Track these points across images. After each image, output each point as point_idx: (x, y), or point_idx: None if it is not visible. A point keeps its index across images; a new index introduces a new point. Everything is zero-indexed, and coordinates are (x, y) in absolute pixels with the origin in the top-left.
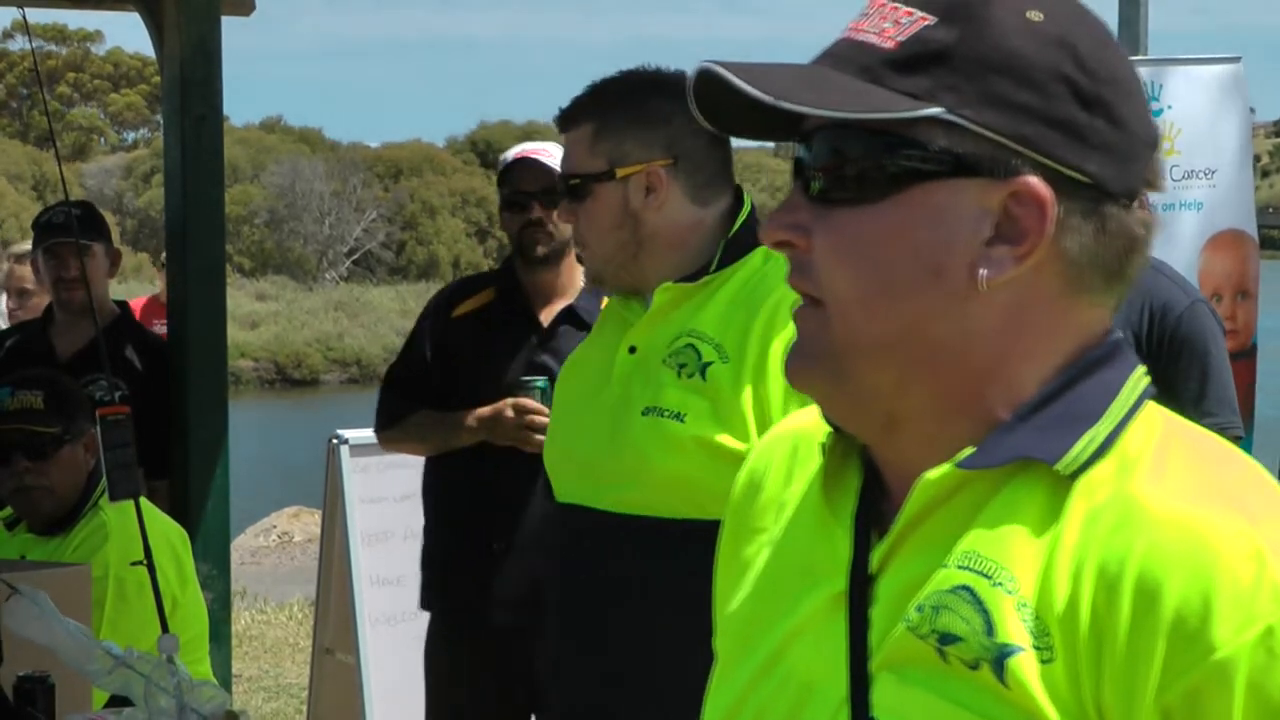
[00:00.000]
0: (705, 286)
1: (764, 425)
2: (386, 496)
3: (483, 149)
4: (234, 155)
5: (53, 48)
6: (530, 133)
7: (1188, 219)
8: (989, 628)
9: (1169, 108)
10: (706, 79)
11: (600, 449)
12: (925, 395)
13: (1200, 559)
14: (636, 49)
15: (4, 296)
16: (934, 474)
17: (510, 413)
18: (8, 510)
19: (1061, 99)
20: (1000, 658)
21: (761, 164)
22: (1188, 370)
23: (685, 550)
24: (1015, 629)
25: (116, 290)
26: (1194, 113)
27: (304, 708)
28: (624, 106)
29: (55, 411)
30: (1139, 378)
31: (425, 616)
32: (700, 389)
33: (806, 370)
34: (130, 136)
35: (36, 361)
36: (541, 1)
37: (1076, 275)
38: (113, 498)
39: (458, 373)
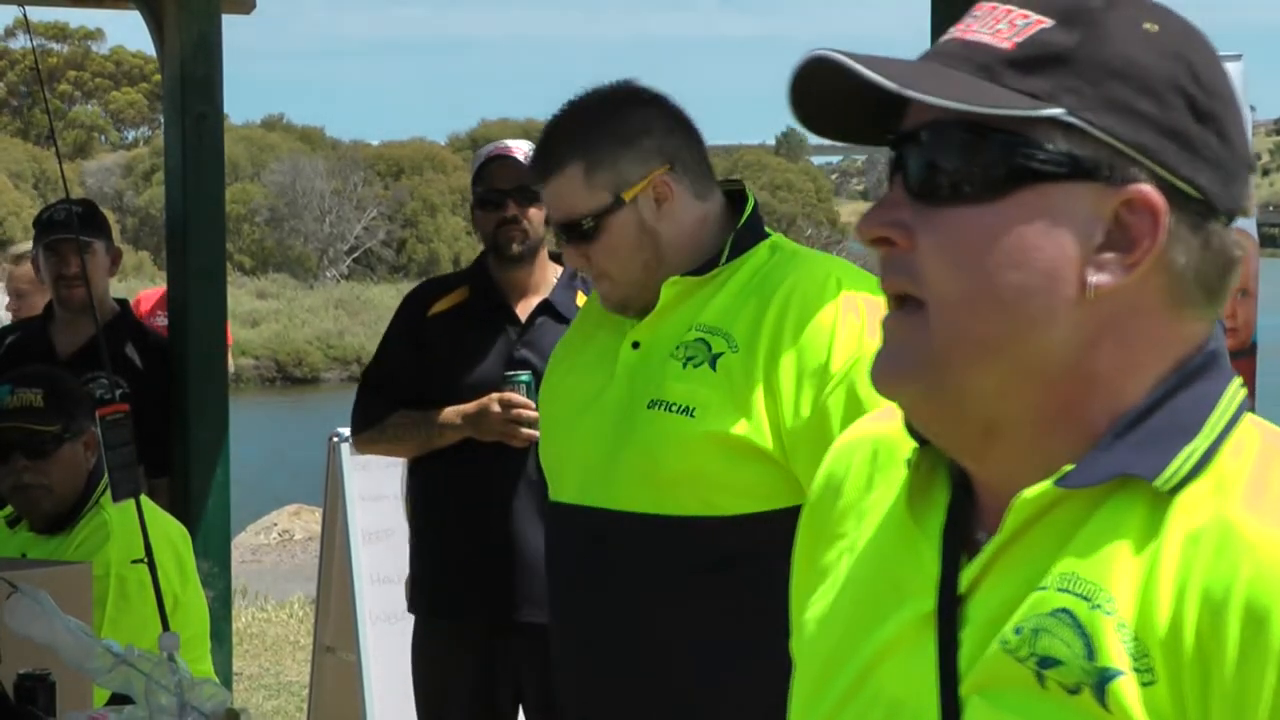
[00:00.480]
0: (712, 280)
1: (776, 416)
2: (387, 494)
3: (484, 147)
4: (234, 153)
5: (54, 46)
6: (531, 131)
7: None
8: (1089, 651)
9: None
10: (813, 70)
11: (605, 447)
12: (1026, 403)
13: None
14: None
15: (5, 297)
16: (1031, 493)
17: (496, 407)
18: (9, 508)
19: (1178, 110)
20: (1101, 682)
21: (763, 162)
22: None
23: (697, 547)
24: (1116, 652)
25: (117, 289)
26: None
27: (305, 705)
28: (603, 132)
29: (55, 410)
30: (1235, 390)
31: None
32: (709, 380)
33: (901, 376)
34: (131, 135)
35: (36, 359)
36: (543, 0)
37: (1180, 289)
38: (115, 498)
39: (435, 371)
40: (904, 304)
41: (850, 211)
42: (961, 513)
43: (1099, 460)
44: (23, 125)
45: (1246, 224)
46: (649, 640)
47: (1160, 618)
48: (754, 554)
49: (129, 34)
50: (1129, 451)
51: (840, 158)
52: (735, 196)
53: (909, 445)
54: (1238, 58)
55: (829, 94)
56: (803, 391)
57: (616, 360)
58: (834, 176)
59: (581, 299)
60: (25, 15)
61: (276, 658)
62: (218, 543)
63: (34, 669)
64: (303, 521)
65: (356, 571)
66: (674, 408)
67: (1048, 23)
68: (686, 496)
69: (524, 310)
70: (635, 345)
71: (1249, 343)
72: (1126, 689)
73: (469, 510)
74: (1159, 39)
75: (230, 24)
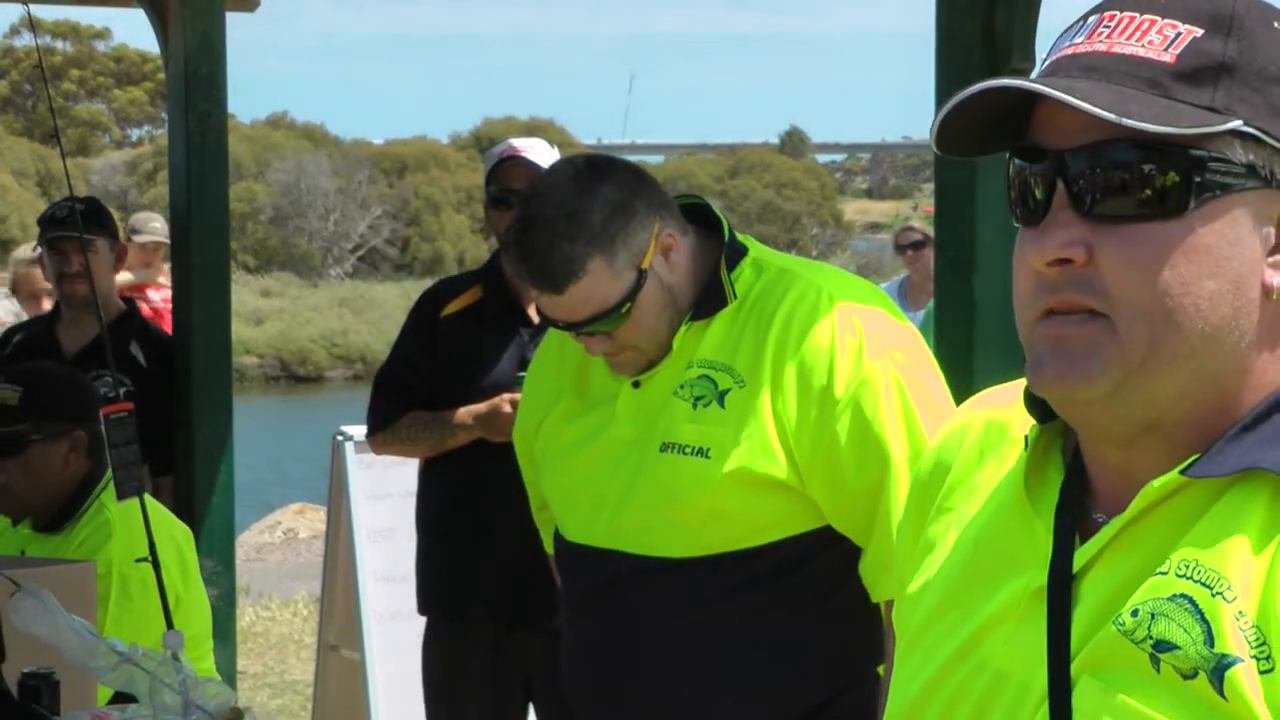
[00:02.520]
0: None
1: (787, 446)
2: (391, 493)
3: (487, 146)
4: (238, 151)
5: (59, 44)
6: (534, 129)
7: None
8: (1209, 638)
9: None
10: (977, 96)
11: (616, 489)
12: (1199, 404)
13: None
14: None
15: (13, 298)
16: (1159, 482)
17: (508, 408)
18: None
19: None
20: (1219, 669)
21: (767, 160)
22: None
23: (721, 581)
24: (1235, 640)
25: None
26: None
27: (309, 704)
28: (601, 217)
29: (28, 409)
30: None
31: None
32: (720, 418)
33: (1086, 382)
34: (135, 133)
35: (42, 357)
36: None
37: None
38: (119, 496)
39: (449, 371)
40: (1075, 314)
41: (854, 209)
42: (1075, 492)
43: (1226, 452)
44: (27, 123)
45: None
46: (675, 673)
47: (1278, 608)
48: (778, 577)
49: (132, 32)
50: (1257, 445)
51: (844, 156)
52: (691, 210)
53: (1021, 424)
54: None
55: (969, 117)
56: (809, 418)
57: (616, 398)
58: (838, 175)
59: None
60: (30, 14)
61: (281, 656)
62: (222, 541)
63: (38, 667)
64: (307, 520)
65: (360, 570)
66: (688, 450)
67: (1198, 32)
68: (709, 536)
69: (537, 310)
70: (636, 384)
71: None
72: (1245, 676)
73: (478, 511)
74: None
75: (234, 22)
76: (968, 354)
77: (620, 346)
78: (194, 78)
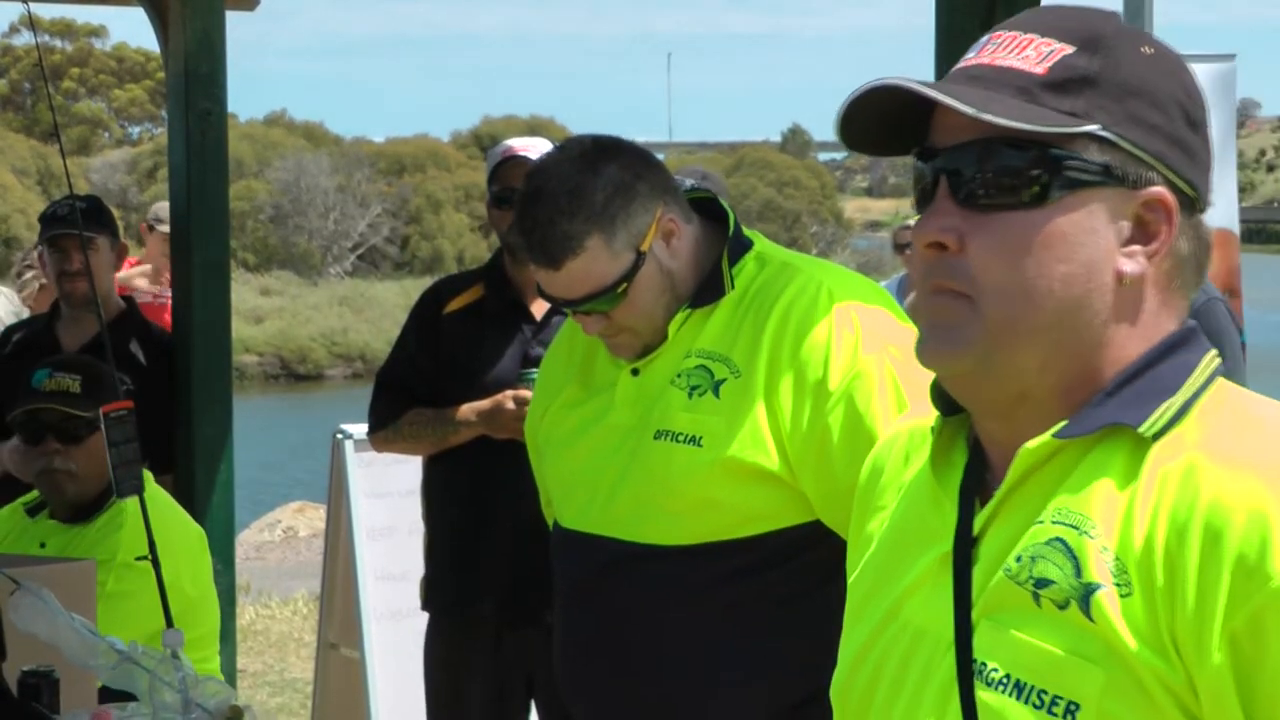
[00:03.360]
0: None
1: (779, 437)
2: (391, 491)
3: (487, 144)
4: (238, 150)
5: (58, 43)
6: (534, 127)
7: None
8: (1077, 571)
9: None
10: (869, 95)
11: (610, 475)
12: (1058, 375)
13: (1257, 502)
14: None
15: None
16: (1033, 444)
17: (511, 404)
18: (31, 495)
19: (1178, 121)
20: (1086, 595)
21: (769, 159)
22: None
23: (709, 570)
24: (1099, 570)
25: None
26: None
27: (309, 703)
28: (603, 196)
29: (90, 397)
30: (1211, 358)
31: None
32: (714, 408)
33: (952, 354)
34: (135, 132)
35: (42, 356)
36: None
37: (1180, 272)
38: (118, 494)
39: (451, 369)
40: (954, 297)
41: (854, 208)
42: (977, 470)
43: (1091, 414)
44: (27, 122)
45: (1231, 223)
46: (664, 662)
47: (1136, 540)
48: (765, 569)
49: (133, 31)
50: (1117, 406)
51: (844, 155)
52: (700, 203)
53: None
54: (1231, 58)
55: (869, 114)
56: (803, 411)
57: (615, 385)
58: (838, 173)
59: None
60: (29, 12)
61: (281, 655)
62: (222, 540)
63: (38, 665)
64: (307, 518)
65: (360, 569)
66: (681, 438)
67: (1069, 49)
68: (698, 524)
69: (539, 308)
70: (635, 372)
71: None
72: (1107, 600)
73: (481, 508)
74: (1157, 60)
75: (234, 20)
76: None
77: (617, 328)
78: (194, 76)
